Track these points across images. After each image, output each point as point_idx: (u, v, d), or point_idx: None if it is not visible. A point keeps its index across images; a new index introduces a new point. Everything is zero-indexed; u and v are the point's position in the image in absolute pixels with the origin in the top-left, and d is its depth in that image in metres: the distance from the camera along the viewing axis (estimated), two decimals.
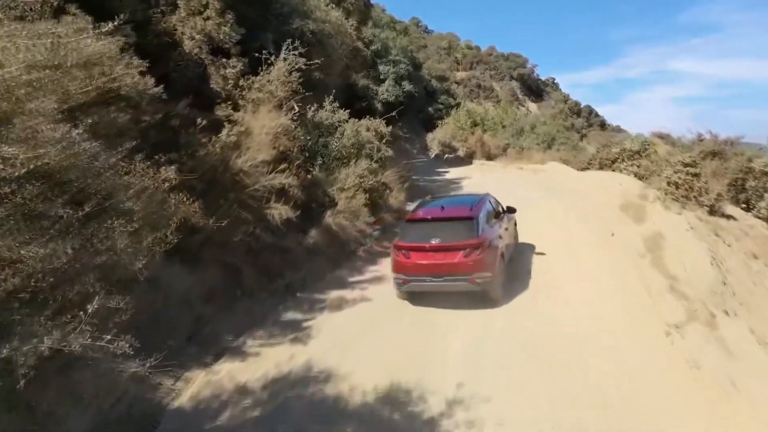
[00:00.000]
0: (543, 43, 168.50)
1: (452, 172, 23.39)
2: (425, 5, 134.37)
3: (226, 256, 7.64)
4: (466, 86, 53.20)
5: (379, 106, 33.87)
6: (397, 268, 7.04)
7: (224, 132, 7.36)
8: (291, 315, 7.25)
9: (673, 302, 5.81)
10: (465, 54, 60.59)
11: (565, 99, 60.66)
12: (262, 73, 10.06)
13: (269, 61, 10.19)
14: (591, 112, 66.03)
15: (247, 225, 7.31)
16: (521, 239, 9.57)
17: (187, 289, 6.65)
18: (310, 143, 11.26)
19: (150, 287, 6.07)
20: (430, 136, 32.84)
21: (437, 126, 33.58)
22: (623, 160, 15.48)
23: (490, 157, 25.59)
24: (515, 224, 9.24)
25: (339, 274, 9.11)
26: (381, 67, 34.77)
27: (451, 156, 28.13)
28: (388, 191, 12.48)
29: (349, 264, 9.62)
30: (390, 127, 12.77)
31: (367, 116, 13.04)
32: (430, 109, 43.29)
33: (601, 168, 18.76)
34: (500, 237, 7.37)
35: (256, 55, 10.12)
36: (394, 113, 13.91)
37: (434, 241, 6.73)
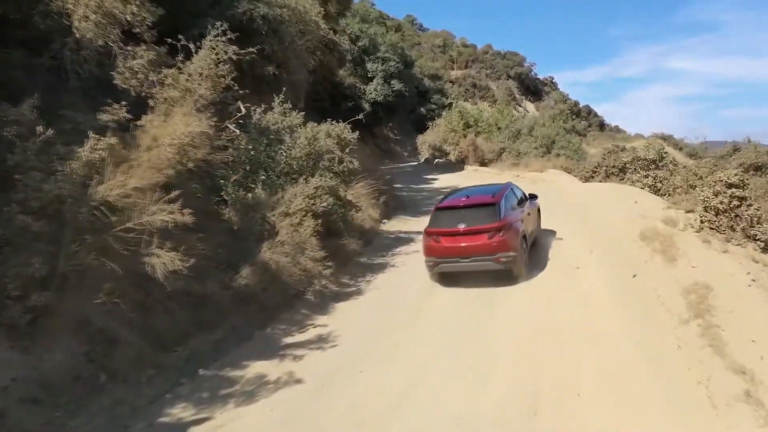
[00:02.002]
0: (541, 41, 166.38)
1: (441, 180, 21.15)
2: (420, 3, 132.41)
3: (95, 320, 5.38)
4: (461, 85, 51.10)
5: (366, 105, 31.81)
6: (429, 252, 7.79)
7: (87, 146, 5.09)
8: (178, 411, 4.97)
9: (758, 428, 3.58)
10: (460, 52, 58.46)
11: (564, 99, 58.54)
12: (178, 64, 7.80)
13: (191, 50, 7.94)
14: (590, 111, 64.01)
15: (113, 281, 5.04)
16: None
17: (5, 388, 4.38)
18: (252, 153, 9.03)
19: None
20: (420, 138, 30.63)
21: (429, 127, 31.37)
22: (636, 170, 13.25)
23: (483, 163, 23.35)
24: (538, 210, 9.67)
25: (271, 332, 6.85)
26: (369, 65, 32.59)
27: (441, 161, 25.91)
28: (353, 211, 10.23)
29: (290, 314, 7.35)
30: (356, 133, 10.51)
31: (330, 119, 10.74)
32: (422, 109, 41.08)
33: (607, 177, 16.56)
34: (522, 221, 7.99)
35: (168, 41, 7.88)
36: (360, 116, 11.64)
37: (461, 226, 7.42)
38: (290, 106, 9.88)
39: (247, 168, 8.87)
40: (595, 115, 63.92)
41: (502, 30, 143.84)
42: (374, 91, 31.84)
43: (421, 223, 13.20)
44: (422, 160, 29.04)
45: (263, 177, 8.80)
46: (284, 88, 9.97)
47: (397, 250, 10.65)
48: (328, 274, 7.78)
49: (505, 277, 7.59)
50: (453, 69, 55.13)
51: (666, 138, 47.91)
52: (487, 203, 7.69)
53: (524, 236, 7.83)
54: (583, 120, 52.82)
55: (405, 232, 12.15)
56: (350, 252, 9.55)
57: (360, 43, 32.20)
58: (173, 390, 5.34)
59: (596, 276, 7.43)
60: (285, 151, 9.18)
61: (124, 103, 6.67)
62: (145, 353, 5.59)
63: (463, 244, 7.34)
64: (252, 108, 9.77)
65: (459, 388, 5.05)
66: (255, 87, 11.72)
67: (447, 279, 8.29)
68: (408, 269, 9.31)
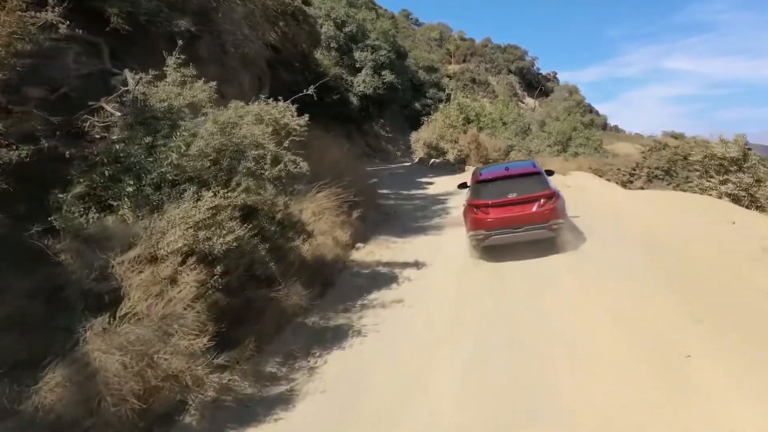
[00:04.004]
0: (539, 43, 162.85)
1: (438, 184, 17.45)
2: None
3: None
4: (459, 80, 47.51)
5: (354, 99, 28.24)
6: (476, 225, 7.55)
7: None
8: None
9: None
10: (458, 46, 54.82)
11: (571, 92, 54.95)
12: None
13: None
14: (591, 110, 60.59)
15: None
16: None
17: None
18: (117, 147, 5.32)
19: None
20: (414, 135, 26.96)
21: (424, 123, 27.70)
22: (706, 172, 9.60)
23: (487, 163, 19.67)
24: None
25: None
26: (357, 54, 28.96)
27: (438, 161, 22.23)
28: (302, 239, 6.53)
29: None
30: (306, 116, 6.73)
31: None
32: (416, 104, 37.25)
33: (649, 181, 12.98)
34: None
35: None
36: (311, 89, 7.93)
37: (511, 195, 7.38)
38: (194, 72, 6.14)
39: (106, 172, 5.16)
40: (598, 114, 60.66)
41: (501, 32, 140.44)
42: (363, 83, 28.40)
43: (411, 246, 9.50)
44: (416, 160, 25.39)
45: (130, 188, 5.09)
46: (180, 42, 6.18)
47: (371, 297, 6.93)
48: (216, 380, 4.04)
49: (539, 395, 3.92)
50: (450, 63, 51.55)
51: (677, 137, 44.64)
52: (533, 173, 7.72)
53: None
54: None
55: (387, 264, 8.41)
56: (289, 309, 5.81)
57: (347, 29, 28.69)
58: None
59: (735, 385, 3.75)
60: (177, 146, 5.45)
61: None
62: None
63: (514, 214, 7.30)
64: (138, 76, 6.12)
65: None
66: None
67: (447, 371, 4.66)
68: (385, 337, 5.62)
